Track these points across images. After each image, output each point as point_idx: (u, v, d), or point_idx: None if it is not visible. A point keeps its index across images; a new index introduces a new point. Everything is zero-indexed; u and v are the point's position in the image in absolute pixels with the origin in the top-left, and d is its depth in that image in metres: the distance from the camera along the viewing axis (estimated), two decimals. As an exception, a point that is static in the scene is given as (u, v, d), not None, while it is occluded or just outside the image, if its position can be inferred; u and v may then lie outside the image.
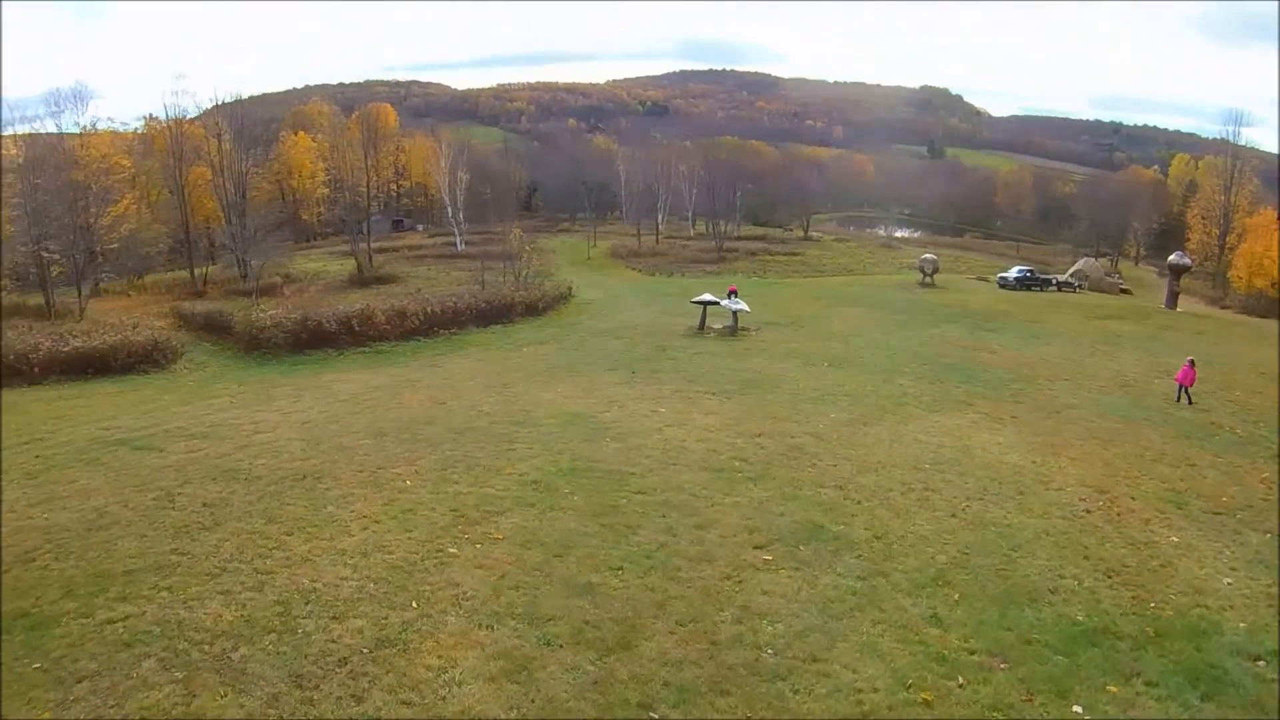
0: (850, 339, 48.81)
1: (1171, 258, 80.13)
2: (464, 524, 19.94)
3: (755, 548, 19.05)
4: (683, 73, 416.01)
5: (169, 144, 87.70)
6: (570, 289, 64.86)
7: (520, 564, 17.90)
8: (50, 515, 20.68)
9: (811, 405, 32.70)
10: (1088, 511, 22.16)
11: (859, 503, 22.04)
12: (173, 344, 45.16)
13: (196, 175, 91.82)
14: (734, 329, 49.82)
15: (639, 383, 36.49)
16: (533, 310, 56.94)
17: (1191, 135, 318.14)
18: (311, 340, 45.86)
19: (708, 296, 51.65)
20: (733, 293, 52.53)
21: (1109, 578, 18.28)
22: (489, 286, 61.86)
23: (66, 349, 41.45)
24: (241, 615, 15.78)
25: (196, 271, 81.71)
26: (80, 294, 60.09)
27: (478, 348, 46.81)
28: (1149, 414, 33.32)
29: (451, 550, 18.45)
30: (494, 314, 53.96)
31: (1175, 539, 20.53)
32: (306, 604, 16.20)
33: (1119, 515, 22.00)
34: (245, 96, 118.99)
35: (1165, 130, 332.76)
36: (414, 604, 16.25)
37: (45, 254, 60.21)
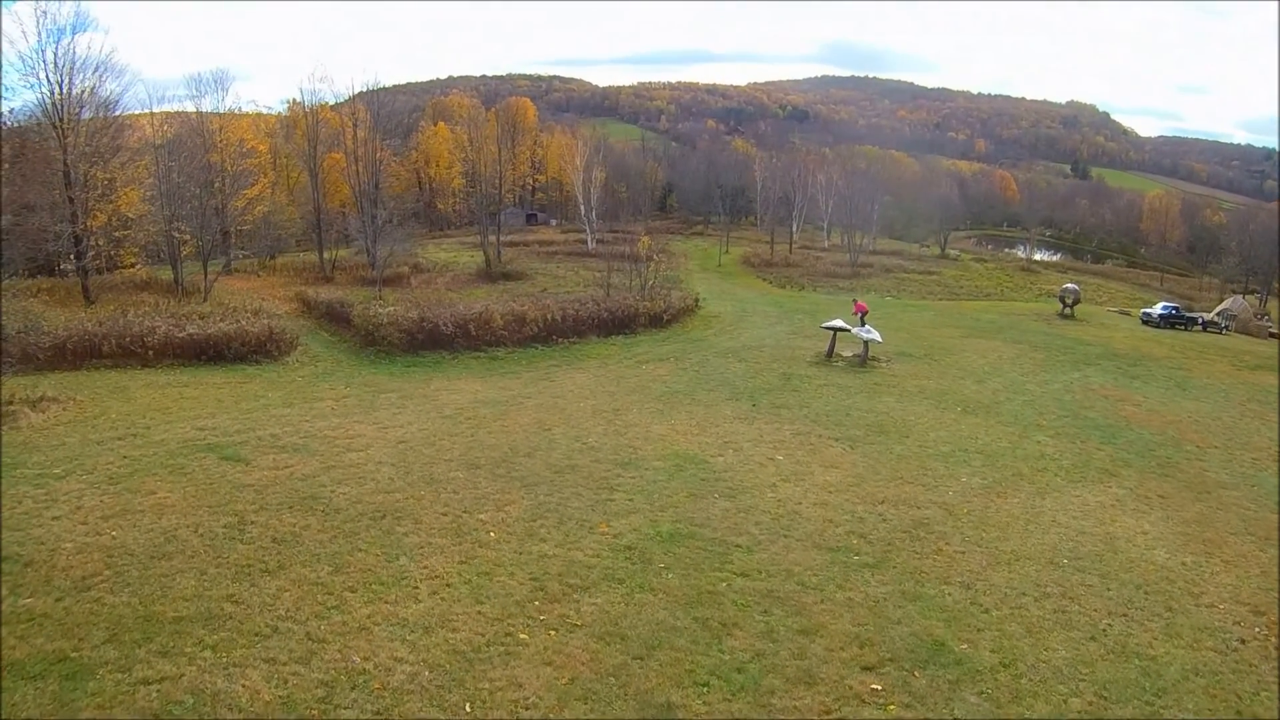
0: (986, 379, 46.00)
1: None
2: (542, 599, 18.24)
3: (864, 669, 16.76)
4: (824, 78, 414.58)
5: (307, 129, 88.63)
6: (697, 300, 63.27)
7: (595, 665, 16.06)
8: (119, 534, 19.92)
9: (941, 464, 30.29)
10: (1242, 642, 19.25)
11: (987, 611, 19.59)
12: (287, 336, 44.71)
13: (333, 161, 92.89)
14: (864, 359, 47.45)
15: (759, 418, 34.55)
16: (656, 321, 55.40)
17: None
18: (427, 341, 45.18)
19: (839, 323, 49.26)
20: (861, 312, 49.98)
21: (1260, 746, 15.69)
22: (614, 291, 60.38)
23: (182, 335, 41.36)
24: (281, 695, 14.46)
25: (326, 256, 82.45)
26: (205, 274, 60.72)
27: (596, 360, 45.55)
28: None
29: (522, 636, 16.72)
30: (616, 324, 52.63)
31: (1339, 690, 17.68)
32: (352, 689, 14.78)
33: (1277, 650, 19.10)
34: (386, 85, 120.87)
35: None
36: (467, 706, 14.63)
37: (176, 234, 60.82)
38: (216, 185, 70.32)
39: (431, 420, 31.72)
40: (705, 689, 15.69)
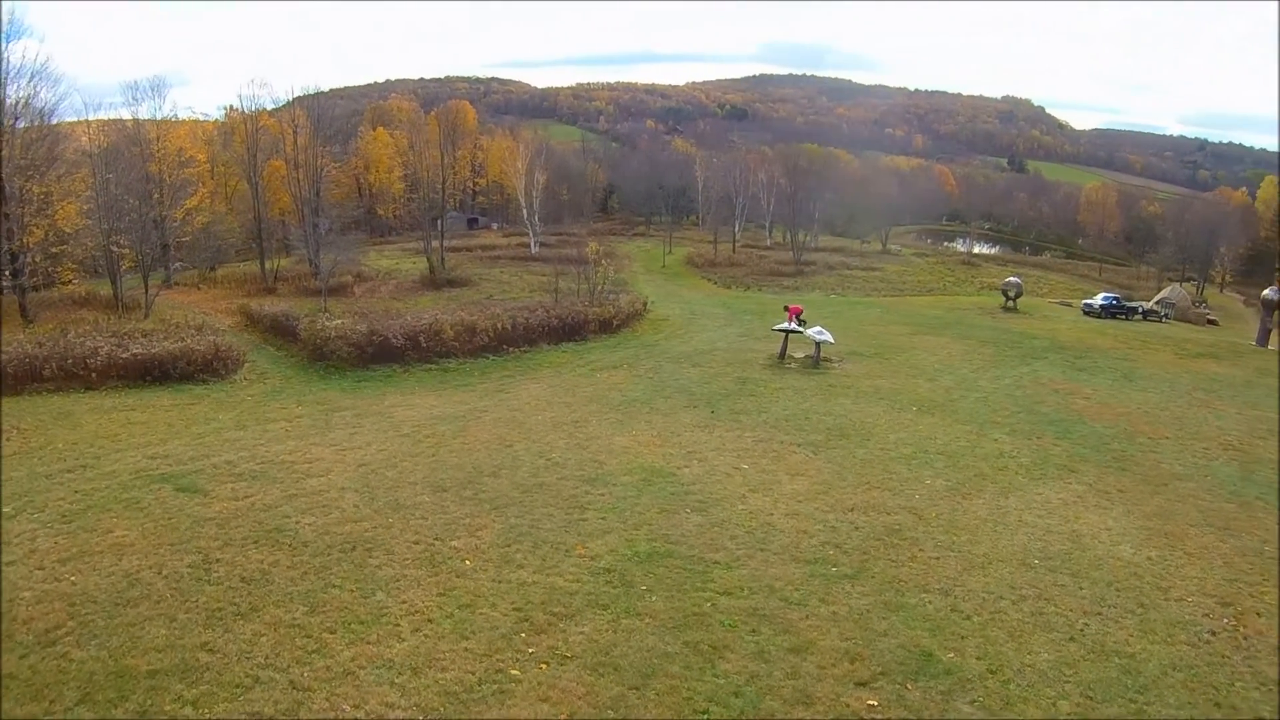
0: (938, 376, 46.39)
1: (1266, 292, 76.37)
2: (529, 630, 17.80)
3: (858, 684, 16.63)
4: (763, 76, 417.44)
5: (246, 136, 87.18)
6: (646, 304, 62.99)
7: (591, 698, 15.69)
8: (79, 579, 19.09)
9: (905, 466, 30.38)
10: (1213, 634, 19.62)
11: (968, 617, 19.59)
12: (234, 352, 43.62)
13: (273, 169, 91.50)
14: (816, 360, 47.55)
15: (719, 426, 34.38)
16: (606, 327, 55.05)
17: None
18: (378, 354, 44.32)
19: (792, 326, 49.31)
20: (795, 314, 49.94)
21: (1244, 737, 15.90)
22: (562, 297, 59.98)
23: (126, 355, 40.14)
24: (270, 754, 13.87)
25: (268, 266, 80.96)
26: (147, 290, 58.94)
27: (549, 369, 45.08)
28: (1261, 490, 30.46)
29: (514, 672, 16.28)
30: (567, 331, 52.17)
31: (1311, 678, 18.00)
32: (346, 742, 14.23)
33: (1246, 640, 19.47)
34: (325, 89, 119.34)
35: (1253, 149, 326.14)
36: (466, 753, 14.19)
37: (115, 248, 59.12)
38: (155, 196, 68.69)
39: (390, 440, 31.11)
40: (705, 717, 15.46)
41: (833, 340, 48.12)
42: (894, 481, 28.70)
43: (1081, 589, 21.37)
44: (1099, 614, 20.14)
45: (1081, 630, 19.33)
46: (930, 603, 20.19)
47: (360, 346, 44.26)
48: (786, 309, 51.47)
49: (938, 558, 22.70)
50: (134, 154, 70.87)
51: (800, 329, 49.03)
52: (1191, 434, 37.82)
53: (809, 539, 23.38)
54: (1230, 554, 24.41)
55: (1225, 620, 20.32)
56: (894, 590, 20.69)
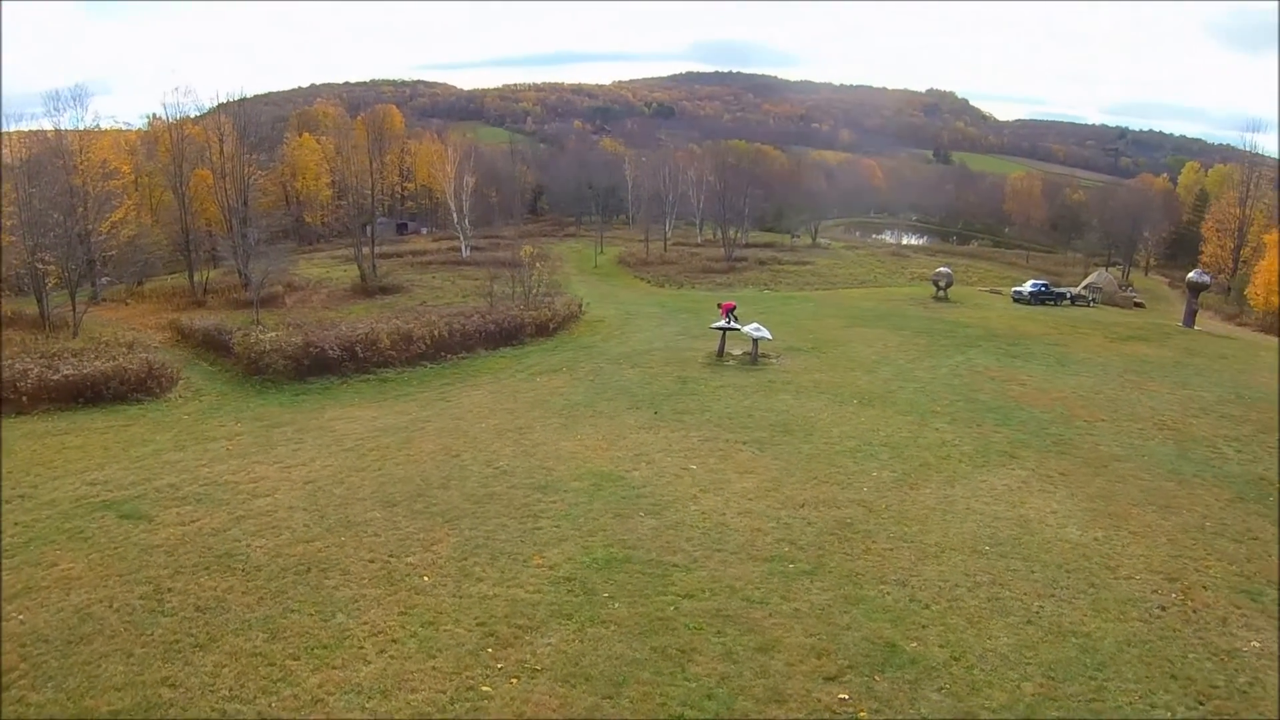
0: (876, 368, 46.86)
1: (1190, 275, 78.87)
2: (495, 645, 17.52)
3: (827, 679, 16.68)
4: (689, 74, 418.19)
5: (171, 146, 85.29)
6: (581, 306, 62.73)
7: (566, 710, 15.48)
8: (28, 616, 18.42)
9: (851, 460, 30.63)
10: (1162, 609, 20.14)
11: (927, 606, 19.80)
12: (168, 370, 42.66)
13: (200, 178, 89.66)
14: (755, 357, 47.68)
15: (664, 427, 34.34)
16: (543, 330, 54.77)
17: (1199, 140, 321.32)
18: (314, 366, 43.52)
19: (730, 324, 49.45)
20: (728, 310, 50.09)
21: (1200, 704, 16.41)
22: (497, 301, 59.62)
23: (57, 377, 38.92)
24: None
25: (198, 278, 79.20)
26: (75, 308, 57.11)
27: (488, 375, 44.66)
28: (1197, 468, 31.35)
29: (485, 689, 15.98)
30: (504, 336, 51.76)
31: (1257, 644, 18.62)
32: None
33: (1195, 613, 20.05)
34: (250, 95, 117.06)
35: (1172, 136, 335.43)
36: (450, 773, 13.94)
37: (40, 265, 57.35)
38: (80, 210, 66.87)
39: (334, 455, 30.57)
40: (681, 723, 15.40)
41: (770, 336, 48.28)
42: (841, 475, 28.89)
43: (1034, 572, 21.72)
44: (1053, 595, 20.53)
45: (1037, 613, 19.68)
46: (889, 594, 20.36)
47: (296, 359, 43.47)
48: (720, 305, 51.54)
49: (891, 549, 22.90)
50: (56, 166, 69.13)
51: (737, 326, 49.13)
52: (1127, 415, 38.69)
53: (764, 537, 23.43)
54: (1173, 531, 25.05)
55: (1174, 595, 20.84)
56: (852, 584, 20.81)
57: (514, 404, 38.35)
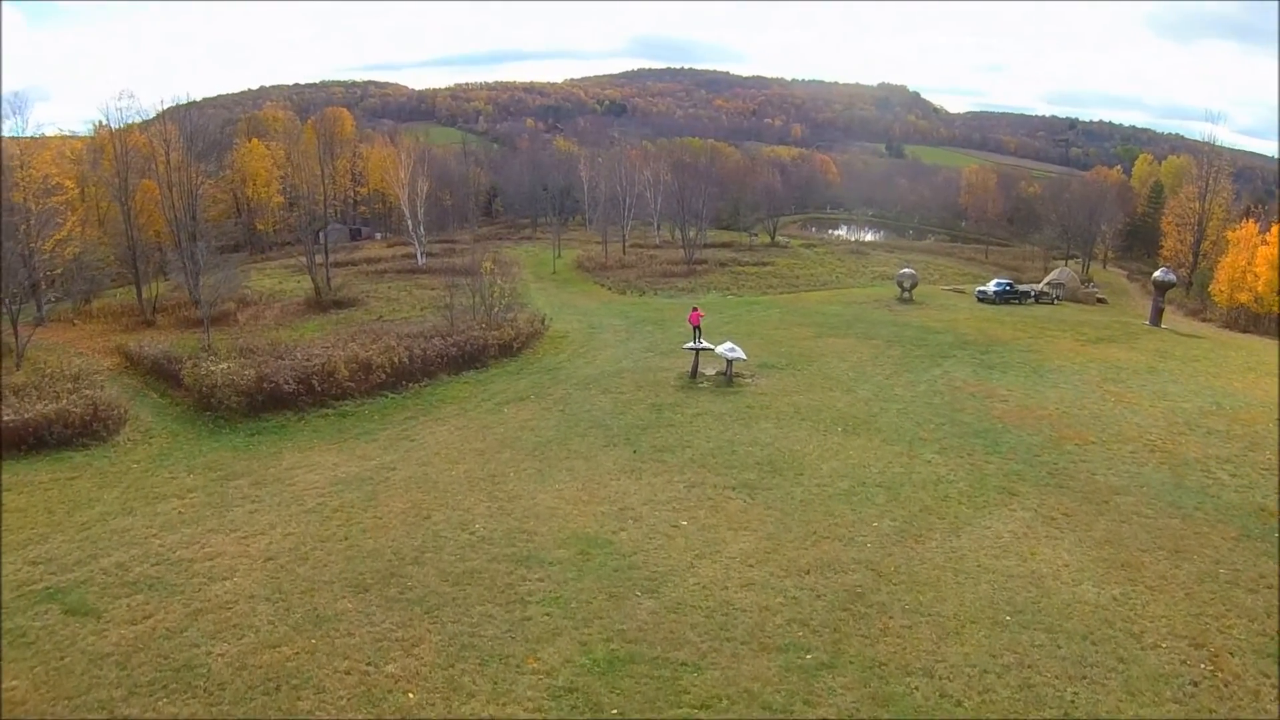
0: (854, 386, 45.53)
1: (1156, 274, 78.69)
2: (496, 793, 15.59)
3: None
4: (640, 71, 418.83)
5: (115, 156, 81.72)
6: (544, 321, 60.67)
7: None
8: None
9: (846, 506, 29.10)
10: (1195, 685, 19.04)
11: (959, 703, 18.22)
12: (115, 411, 40.05)
13: (146, 189, 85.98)
14: (729, 377, 46.13)
15: (645, 469, 32.58)
16: (507, 351, 52.68)
17: (1147, 130, 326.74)
18: (269, 402, 41.17)
19: (701, 344, 47.81)
20: (697, 323, 48.51)
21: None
22: (457, 316, 57.13)
23: (-4, 424, 36.42)
24: None
25: (148, 294, 75.16)
26: (16, 336, 53.03)
27: (453, 405, 42.60)
28: (1197, 499, 30.43)
29: None
30: (466, 359, 49.63)
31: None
32: None
33: (1226, 687, 19.00)
34: (199, 99, 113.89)
35: (1121, 126, 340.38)
36: None
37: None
38: (22, 229, 63.47)
39: (295, 518, 28.28)
40: None
41: (745, 357, 46.63)
42: (840, 527, 27.31)
43: (1060, 648, 20.36)
44: (1084, 678, 19.19)
45: (1072, 701, 18.34)
46: (917, 689, 18.74)
47: (249, 394, 41.10)
48: (690, 318, 49.84)
49: (910, 626, 21.28)
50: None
51: (710, 346, 47.53)
52: (1114, 435, 37.79)
53: (773, 617, 21.63)
54: (1188, 582, 23.94)
55: (1203, 665, 19.71)
56: (877, 677, 19.13)
57: (483, 443, 36.28)
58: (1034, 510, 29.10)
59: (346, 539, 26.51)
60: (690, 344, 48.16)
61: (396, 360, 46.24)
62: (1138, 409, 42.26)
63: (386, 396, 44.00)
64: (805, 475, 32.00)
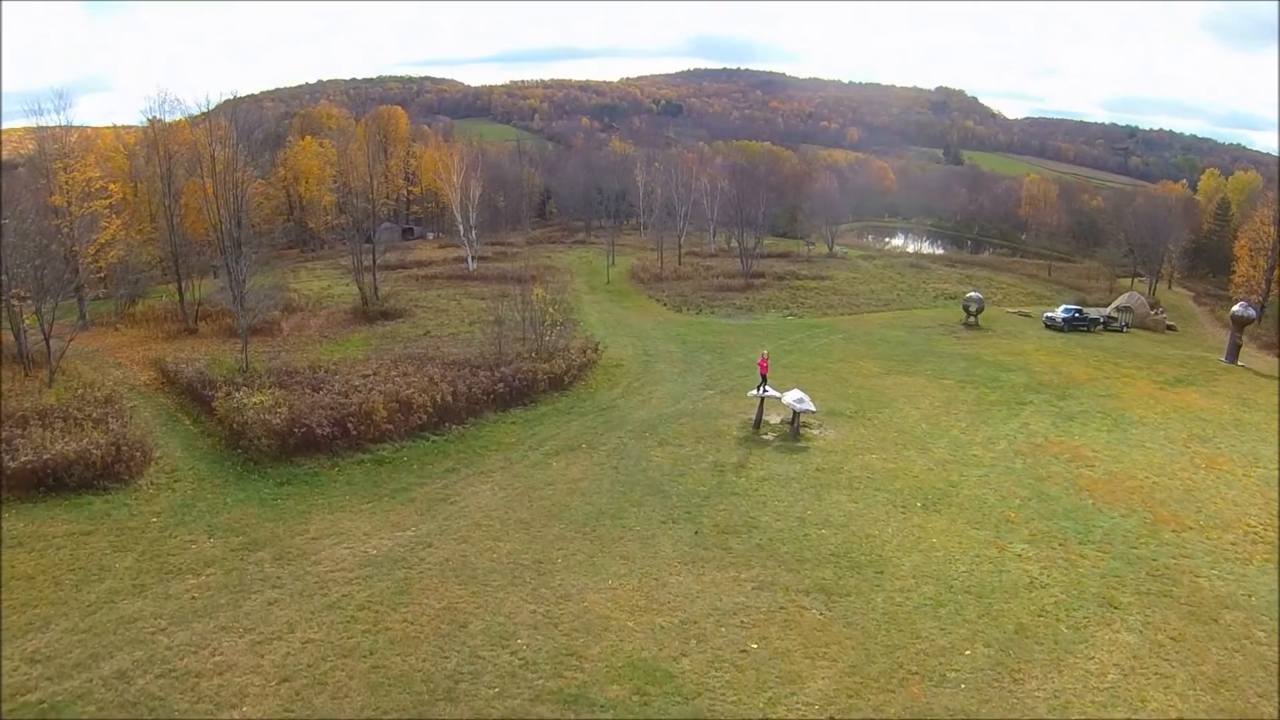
0: (929, 442, 42.70)
1: (1235, 309, 75.07)
2: None
3: None
4: (696, 71, 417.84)
5: (160, 155, 79.59)
6: (598, 349, 57.79)
7: None
8: None
9: (934, 624, 26.01)
10: None
11: None
12: (140, 449, 37.69)
13: (192, 188, 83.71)
14: (795, 430, 43.09)
15: (708, 562, 29.52)
16: (557, 384, 49.97)
17: (1208, 140, 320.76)
18: (301, 444, 38.65)
19: (768, 391, 44.64)
20: (763, 372, 45.21)
21: None
22: (505, 339, 54.30)
23: (14, 464, 34.06)
24: None
25: (191, 297, 72.37)
26: (50, 354, 50.37)
27: (498, 454, 39.90)
28: None
29: None
30: (514, 396, 46.98)
31: None
32: None
33: None
34: (256, 93, 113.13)
35: (1181, 135, 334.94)
36: None
37: (17, 301, 51.22)
38: (65, 230, 61.04)
39: (317, 619, 25.33)
40: None
41: (814, 409, 43.47)
42: (929, 657, 24.20)
43: None
44: None
45: None
46: None
47: (281, 436, 38.57)
48: (759, 362, 46.49)
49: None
50: (38, 186, 63.81)
51: (777, 395, 44.43)
52: (1211, 518, 35.04)
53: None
54: None
55: None
56: None
57: (529, 511, 33.38)
58: (1139, 632, 26.11)
59: (372, 654, 23.52)
60: (754, 391, 44.99)
61: (439, 398, 43.60)
62: (1231, 480, 39.56)
63: (427, 439, 41.46)
64: (885, 574, 28.95)
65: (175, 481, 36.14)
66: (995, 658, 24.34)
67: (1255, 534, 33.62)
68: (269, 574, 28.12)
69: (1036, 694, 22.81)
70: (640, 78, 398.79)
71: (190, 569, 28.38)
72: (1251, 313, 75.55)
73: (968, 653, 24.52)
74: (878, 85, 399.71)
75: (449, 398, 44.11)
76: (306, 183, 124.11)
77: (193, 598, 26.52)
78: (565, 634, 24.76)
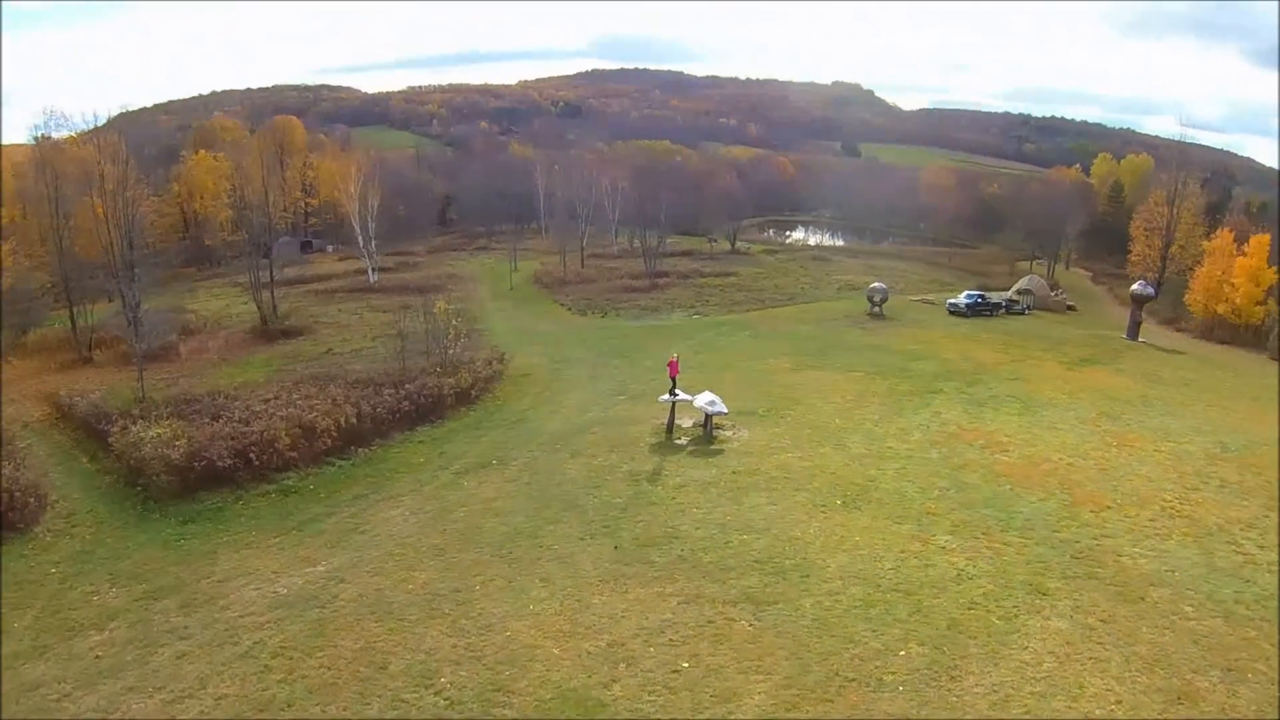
0: (844, 437, 42.35)
1: (1134, 288, 77.81)
2: None
3: None
4: (595, 72, 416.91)
5: (46, 177, 75.95)
6: (504, 359, 56.81)
7: None
8: None
9: (866, 627, 25.51)
10: None
11: None
12: (37, 493, 35.78)
13: (84, 207, 79.99)
14: (709, 433, 42.53)
15: (631, 578, 28.62)
16: (465, 399, 48.84)
17: (1099, 125, 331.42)
18: (203, 478, 36.92)
19: (679, 395, 44.04)
20: (673, 375, 44.53)
21: None
22: (409, 353, 52.88)
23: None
24: None
25: (85, 324, 68.61)
26: None
27: (407, 476, 38.58)
28: (1235, 588, 28.14)
29: None
30: (420, 414, 45.80)
31: None
32: None
33: None
34: (147, 105, 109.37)
35: (1073, 121, 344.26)
36: None
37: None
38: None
39: (229, 671, 23.70)
40: None
41: (725, 410, 42.84)
42: (865, 662, 23.72)
43: None
44: None
45: None
46: None
47: (181, 470, 36.89)
48: (668, 365, 45.70)
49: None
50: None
51: (688, 398, 43.83)
52: (1128, 496, 35.59)
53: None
54: (1248, 715, 21.76)
55: None
56: None
57: (443, 537, 32.05)
58: (1069, 618, 26.12)
59: (290, 705, 22.13)
60: (666, 396, 44.33)
61: (344, 421, 42.30)
62: (1143, 456, 40.37)
63: (334, 464, 40.10)
64: (812, 578, 28.43)
65: (74, 527, 34.25)
66: (931, 656, 24.00)
67: (1172, 509, 34.18)
68: (176, 624, 26.52)
69: (975, 690, 22.56)
70: (540, 80, 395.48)
71: (94, 624, 26.69)
72: (1150, 290, 77.94)
73: (902, 653, 24.14)
74: (776, 81, 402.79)
75: (354, 419, 42.85)
76: (202, 198, 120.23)
77: (97, 656, 24.87)
78: (490, 667, 23.66)
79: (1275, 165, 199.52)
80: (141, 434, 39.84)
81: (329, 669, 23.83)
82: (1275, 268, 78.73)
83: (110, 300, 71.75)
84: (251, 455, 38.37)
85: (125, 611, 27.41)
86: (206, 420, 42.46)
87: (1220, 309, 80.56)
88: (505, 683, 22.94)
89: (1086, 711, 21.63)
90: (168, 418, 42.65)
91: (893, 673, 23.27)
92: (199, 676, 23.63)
